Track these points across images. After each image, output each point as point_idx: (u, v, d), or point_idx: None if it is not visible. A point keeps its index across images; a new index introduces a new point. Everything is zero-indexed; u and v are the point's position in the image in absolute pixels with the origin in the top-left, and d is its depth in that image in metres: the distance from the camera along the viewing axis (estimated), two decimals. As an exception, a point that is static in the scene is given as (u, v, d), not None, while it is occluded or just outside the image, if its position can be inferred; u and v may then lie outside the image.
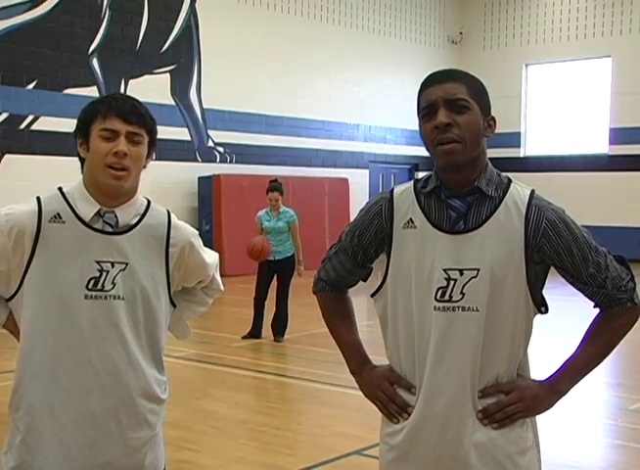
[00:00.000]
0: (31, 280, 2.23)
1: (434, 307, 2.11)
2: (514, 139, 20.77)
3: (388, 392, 2.21)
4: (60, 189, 2.32)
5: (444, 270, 2.10)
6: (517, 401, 2.12)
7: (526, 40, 21.30)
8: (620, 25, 19.81)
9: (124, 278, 2.26)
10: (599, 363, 2.21)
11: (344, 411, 6.22)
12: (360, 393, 2.33)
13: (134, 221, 2.31)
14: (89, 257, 2.24)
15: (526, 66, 21.40)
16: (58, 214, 2.25)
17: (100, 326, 2.24)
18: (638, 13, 19.50)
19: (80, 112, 2.31)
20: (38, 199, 2.29)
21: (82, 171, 2.33)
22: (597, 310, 2.21)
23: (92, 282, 2.24)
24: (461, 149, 2.07)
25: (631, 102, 19.43)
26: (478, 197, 2.13)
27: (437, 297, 2.11)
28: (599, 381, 7.12)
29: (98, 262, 2.24)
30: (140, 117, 2.25)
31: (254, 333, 9.25)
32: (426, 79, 2.16)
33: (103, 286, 2.24)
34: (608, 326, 2.17)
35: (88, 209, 2.26)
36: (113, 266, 2.25)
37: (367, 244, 2.26)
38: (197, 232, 2.48)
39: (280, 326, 9.21)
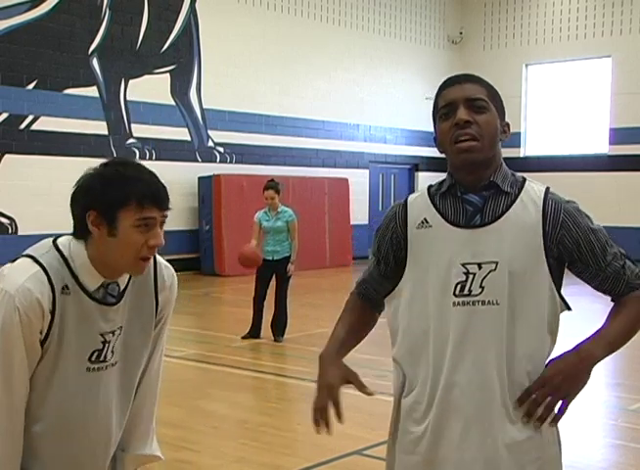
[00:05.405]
0: (46, 354, 2.11)
1: (454, 303, 2.10)
2: (514, 139, 20.74)
3: (318, 404, 2.25)
4: (56, 247, 2.13)
5: (462, 265, 2.10)
6: (553, 393, 2.09)
7: (526, 40, 21.30)
8: (620, 25, 19.81)
9: (120, 343, 2.20)
10: (629, 337, 2.17)
11: (344, 411, 6.18)
12: (360, 393, 2.33)
13: (127, 278, 2.21)
14: (93, 329, 2.14)
15: (526, 66, 21.39)
16: (66, 286, 2.10)
17: (97, 396, 2.18)
18: (638, 13, 19.50)
19: (98, 183, 2.06)
20: (41, 266, 2.08)
21: (77, 236, 2.13)
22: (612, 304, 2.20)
23: (95, 354, 2.16)
24: (479, 147, 2.10)
25: (631, 102, 19.42)
26: (493, 192, 2.15)
27: (456, 292, 2.10)
28: (599, 381, 7.11)
29: (102, 335, 2.15)
30: (169, 200, 2.13)
31: (254, 333, 9.24)
32: (444, 82, 2.20)
33: (105, 357, 2.18)
34: (631, 305, 2.15)
35: (92, 281, 2.14)
36: (113, 335, 2.18)
37: (386, 250, 2.26)
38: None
39: (279, 326, 9.20)
